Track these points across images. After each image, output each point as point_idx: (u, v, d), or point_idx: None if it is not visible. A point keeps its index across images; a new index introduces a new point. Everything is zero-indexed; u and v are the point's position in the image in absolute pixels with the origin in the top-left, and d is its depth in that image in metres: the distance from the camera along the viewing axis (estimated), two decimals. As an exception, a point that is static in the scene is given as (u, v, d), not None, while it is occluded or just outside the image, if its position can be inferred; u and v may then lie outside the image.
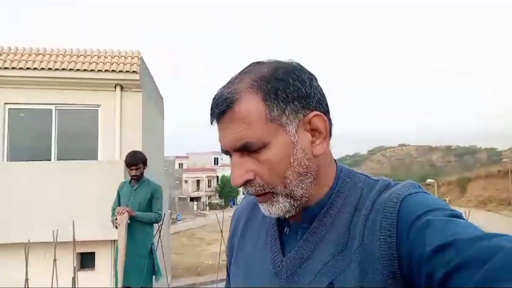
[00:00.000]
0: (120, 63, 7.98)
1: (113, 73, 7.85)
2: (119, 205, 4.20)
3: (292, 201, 0.73)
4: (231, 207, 60.42)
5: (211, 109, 0.74)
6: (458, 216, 0.62)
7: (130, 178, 4.29)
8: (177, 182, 48.44)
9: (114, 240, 7.50)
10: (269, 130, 0.71)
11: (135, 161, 4.17)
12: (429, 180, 40.24)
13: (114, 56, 8.17)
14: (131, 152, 4.28)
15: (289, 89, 0.72)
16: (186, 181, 57.05)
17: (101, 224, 6.90)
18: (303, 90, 0.73)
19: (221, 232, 7.32)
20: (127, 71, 7.87)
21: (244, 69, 0.78)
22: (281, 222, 0.82)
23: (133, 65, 7.99)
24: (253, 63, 0.78)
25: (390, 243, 0.63)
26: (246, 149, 0.71)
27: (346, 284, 0.66)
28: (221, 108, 0.71)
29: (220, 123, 0.73)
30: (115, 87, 8.02)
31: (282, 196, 0.73)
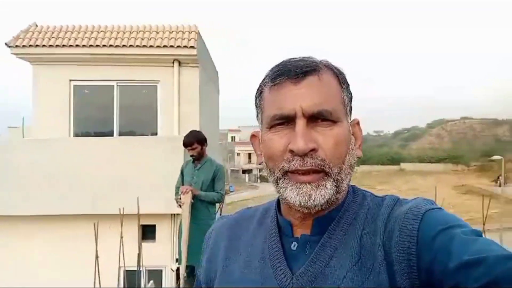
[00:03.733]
0: (177, 38, 7.96)
1: (171, 49, 7.85)
2: (183, 184, 4.20)
3: (335, 191, 0.71)
4: (283, 180, 61.00)
5: (285, 68, 0.73)
6: (479, 234, 0.62)
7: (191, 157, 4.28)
8: (230, 154, 49.37)
9: (174, 214, 7.72)
10: (342, 110, 0.73)
11: (189, 141, 4.13)
12: (495, 157, 37.76)
13: (172, 31, 8.15)
14: (188, 133, 4.25)
15: (349, 91, 0.78)
16: (238, 154, 58.05)
17: (161, 198, 7.10)
18: (352, 97, 0.79)
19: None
20: (184, 47, 7.83)
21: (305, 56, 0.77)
22: (284, 239, 0.77)
23: (190, 40, 7.94)
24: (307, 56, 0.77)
25: (409, 254, 0.63)
26: (319, 117, 0.70)
27: None
28: (306, 69, 0.71)
29: (297, 83, 0.71)
30: (173, 62, 8.02)
31: (332, 180, 0.70)
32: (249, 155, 61.41)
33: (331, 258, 0.70)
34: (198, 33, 8.30)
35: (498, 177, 43.94)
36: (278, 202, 0.83)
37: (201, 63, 8.45)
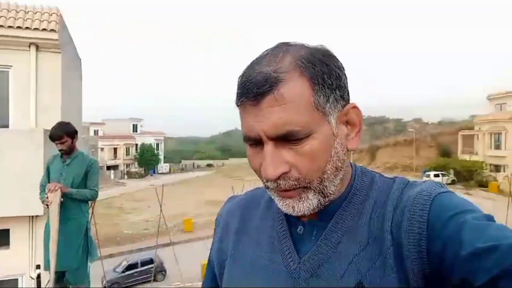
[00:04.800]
0: (35, 19, 7.06)
1: (27, 31, 6.94)
2: (49, 181, 3.78)
3: (321, 198, 0.69)
4: (151, 175, 59.20)
5: (244, 87, 0.65)
6: (491, 218, 0.61)
7: (59, 151, 3.87)
8: (92, 150, 45.90)
9: (32, 216, 6.91)
10: (314, 119, 0.65)
11: (57, 134, 3.75)
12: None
13: (28, 11, 7.19)
14: (55, 125, 3.84)
15: (333, 76, 0.67)
16: (102, 149, 54.41)
17: (16, 199, 6.30)
18: (342, 79, 0.69)
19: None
20: (44, 29, 7.00)
21: (275, 48, 0.69)
22: (291, 222, 0.77)
23: (50, 22, 7.13)
24: (282, 43, 0.70)
25: (419, 240, 0.62)
26: (286, 138, 0.64)
27: (375, 283, 0.64)
28: (264, 88, 0.62)
29: (257, 105, 0.64)
30: (29, 46, 7.13)
31: (314, 192, 0.67)
32: (115, 150, 58.12)
33: (338, 243, 0.70)
34: (60, 16, 7.53)
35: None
36: None
37: (63, 49, 7.68)
